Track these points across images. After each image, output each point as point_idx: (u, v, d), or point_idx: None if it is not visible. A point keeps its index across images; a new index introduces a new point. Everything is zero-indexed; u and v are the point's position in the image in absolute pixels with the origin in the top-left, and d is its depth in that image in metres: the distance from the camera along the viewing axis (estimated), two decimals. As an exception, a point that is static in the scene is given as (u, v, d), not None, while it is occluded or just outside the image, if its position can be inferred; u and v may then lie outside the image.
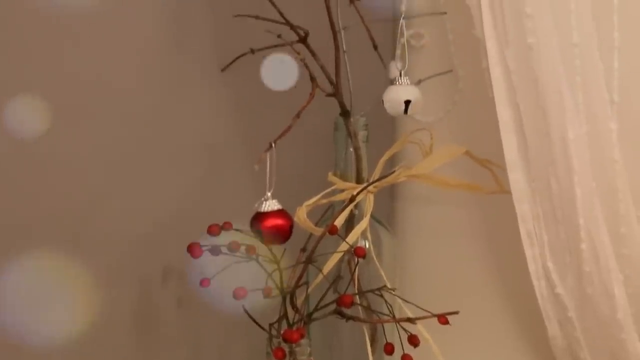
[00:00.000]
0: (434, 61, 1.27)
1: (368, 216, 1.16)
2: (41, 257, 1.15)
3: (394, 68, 1.23)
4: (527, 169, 1.10)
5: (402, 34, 1.22)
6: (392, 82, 1.19)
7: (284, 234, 1.06)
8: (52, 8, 1.12)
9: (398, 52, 1.24)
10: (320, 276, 1.11)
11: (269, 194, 1.06)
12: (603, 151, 1.09)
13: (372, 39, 1.04)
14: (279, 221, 1.06)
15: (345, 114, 1.17)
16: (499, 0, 1.03)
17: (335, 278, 1.18)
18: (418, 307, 1.06)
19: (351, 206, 1.15)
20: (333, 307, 1.08)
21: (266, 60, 1.13)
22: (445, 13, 1.22)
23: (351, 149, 1.19)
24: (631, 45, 1.09)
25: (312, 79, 1.09)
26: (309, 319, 1.09)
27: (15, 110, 1.12)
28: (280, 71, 1.13)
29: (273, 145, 1.05)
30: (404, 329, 1.06)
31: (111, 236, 1.21)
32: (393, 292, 1.11)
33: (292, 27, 1.15)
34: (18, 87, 1.13)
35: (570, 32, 1.05)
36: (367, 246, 1.17)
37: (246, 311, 1.06)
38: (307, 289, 1.12)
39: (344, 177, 1.20)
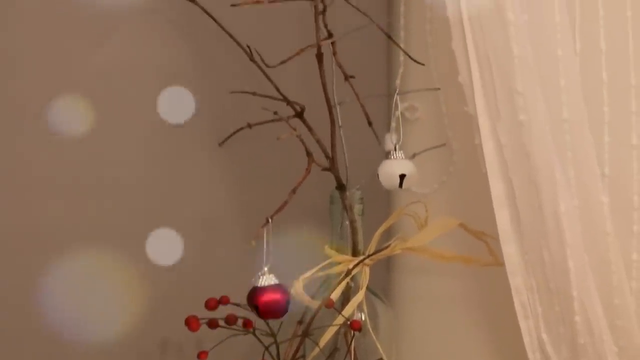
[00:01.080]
0: (428, 133, 1.29)
1: (364, 289, 1.17)
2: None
3: (389, 141, 1.25)
4: (520, 241, 1.11)
5: (396, 107, 1.24)
6: (387, 155, 1.21)
7: (280, 309, 1.07)
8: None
9: (393, 124, 1.26)
10: (317, 349, 1.12)
11: (266, 268, 1.07)
12: (595, 224, 1.10)
13: (367, 116, 1.06)
14: (275, 296, 1.07)
15: (341, 187, 1.19)
16: (491, 78, 1.05)
17: (332, 351, 1.19)
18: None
19: (347, 279, 1.16)
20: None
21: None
22: (439, 89, 1.25)
23: (347, 222, 1.20)
24: (621, 119, 1.11)
25: (309, 154, 1.11)
26: (306, 392, 1.10)
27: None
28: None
29: (270, 220, 1.06)
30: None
31: (109, 310, 1.22)
32: (390, 365, 1.12)
33: (289, 103, 1.17)
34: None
35: (560, 108, 1.06)
36: (363, 319, 1.18)
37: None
38: (304, 362, 1.13)
39: (340, 250, 1.21)
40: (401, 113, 1.25)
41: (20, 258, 1.15)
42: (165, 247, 1.22)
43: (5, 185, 1.14)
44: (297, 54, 1.06)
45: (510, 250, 1.12)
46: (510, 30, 1.01)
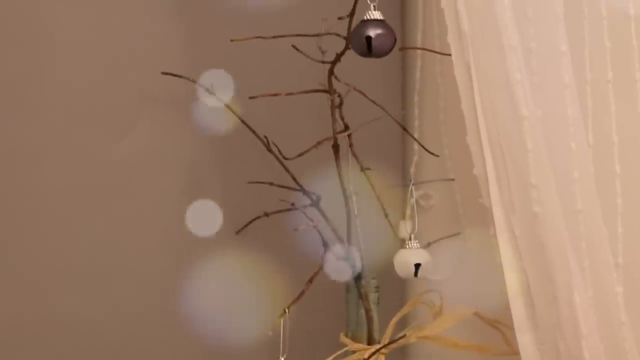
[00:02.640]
0: (443, 222, 1.30)
1: (379, 378, 1.18)
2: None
3: (404, 229, 1.26)
4: (535, 331, 1.11)
5: (411, 196, 1.25)
6: (402, 244, 1.22)
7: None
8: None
9: (408, 212, 1.27)
10: None
11: (283, 358, 1.07)
12: (610, 314, 1.10)
13: (382, 207, 1.08)
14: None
15: (356, 276, 1.20)
16: (505, 171, 1.05)
17: None
18: None
19: (363, 368, 1.17)
20: None
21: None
22: (453, 179, 1.26)
23: (362, 311, 1.21)
24: (634, 209, 1.12)
25: (325, 244, 1.12)
26: None
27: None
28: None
29: (287, 310, 1.07)
30: None
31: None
32: None
33: (305, 192, 1.19)
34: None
35: (574, 199, 1.07)
36: (379, 407, 1.18)
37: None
38: None
39: (355, 339, 1.21)
40: (416, 201, 1.27)
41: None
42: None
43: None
44: (314, 147, 1.08)
45: (525, 340, 1.12)
46: (524, 125, 1.02)
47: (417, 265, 1.19)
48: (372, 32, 0.97)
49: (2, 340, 1.17)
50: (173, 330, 1.25)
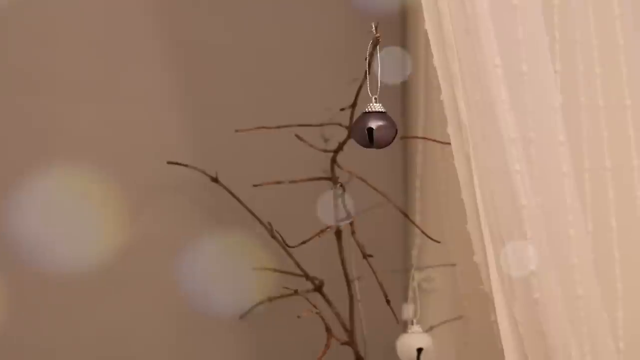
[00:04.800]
0: (445, 305, 1.31)
1: None
2: None
3: (406, 311, 1.27)
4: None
5: (413, 279, 1.27)
6: (404, 327, 1.23)
7: None
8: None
9: (410, 295, 1.28)
10: None
11: None
12: (612, 398, 1.11)
13: (384, 293, 1.09)
14: None
15: (359, 360, 1.21)
16: (505, 260, 1.07)
17: None
18: None
19: None
20: None
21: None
22: (455, 265, 1.27)
23: (367, 395, 1.22)
24: (634, 294, 1.13)
25: (328, 329, 1.13)
26: None
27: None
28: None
29: (291, 399, 1.08)
30: None
31: None
32: None
33: (308, 277, 1.20)
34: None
35: (574, 285, 1.08)
36: None
37: None
38: None
39: None
40: (418, 284, 1.28)
41: None
42: None
43: None
44: (317, 235, 1.09)
45: None
46: (523, 214, 1.04)
47: (420, 350, 1.19)
48: (374, 124, 0.98)
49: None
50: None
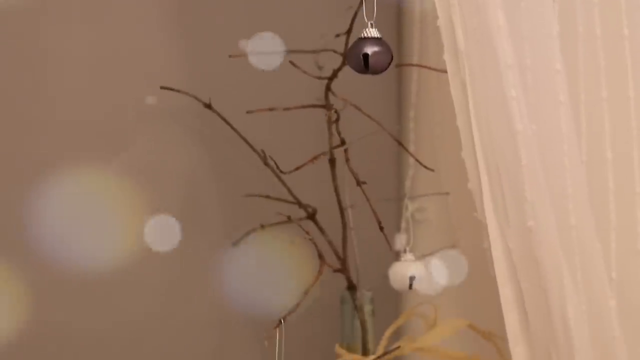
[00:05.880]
0: (438, 235, 1.31)
1: (374, 388, 1.19)
2: None
3: (399, 241, 1.27)
4: (529, 344, 1.12)
5: (406, 209, 1.27)
6: (397, 256, 1.23)
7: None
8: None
9: (403, 226, 1.28)
10: None
11: (278, 368, 1.08)
12: (603, 328, 1.11)
13: (378, 220, 1.09)
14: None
15: (351, 288, 1.21)
16: (499, 186, 1.07)
17: None
18: None
19: (358, 378, 1.18)
20: None
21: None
22: (448, 194, 1.27)
23: (357, 322, 1.22)
24: (626, 225, 1.13)
25: (320, 256, 1.13)
26: None
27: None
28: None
29: (282, 321, 1.08)
30: None
31: None
32: None
33: (301, 205, 1.20)
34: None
35: (567, 214, 1.08)
36: (372, 417, 1.19)
37: None
38: None
39: (350, 349, 1.22)
40: (411, 214, 1.28)
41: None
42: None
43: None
44: (311, 161, 1.08)
45: (519, 352, 1.13)
46: (518, 140, 1.03)
47: (412, 278, 1.20)
48: (369, 50, 0.97)
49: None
50: (170, 336, 1.26)
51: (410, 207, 1.28)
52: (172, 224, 1.21)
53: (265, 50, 1.17)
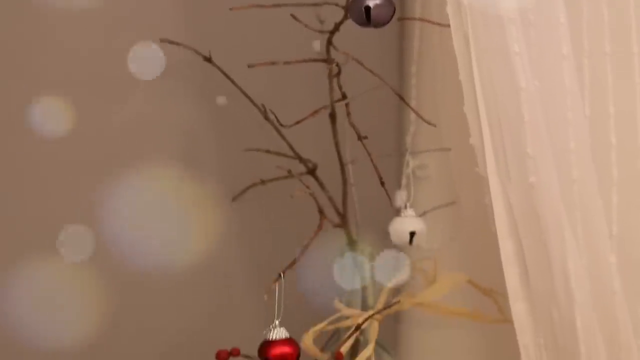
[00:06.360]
0: (439, 192, 1.31)
1: (373, 343, 1.19)
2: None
3: (400, 198, 1.27)
4: (529, 299, 1.12)
5: (407, 165, 1.26)
6: (397, 213, 1.23)
7: (290, 361, 1.08)
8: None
9: (404, 182, 1.28)
10: (326, 402, 1.13)
11: (277, 322, 1.08)
12: (603, 282, 1.11)
13: (379, 176, 1.08)
14: (286, 349, 1.07)
15: (352, 244, 1.21)
16: (501, 141, 1.06)
17: (341, 403, 1.20)
18: None
19: (356, 333, 1.17)
20: None
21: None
22: (450, 150, 1.27)
23: (357, 278, 1.22)
24: (629, 180, 1.13)
25: (320, 211, 1.13)
26: None
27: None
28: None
29: (282, 275, 1.08)
30: None
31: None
32: (398, 419, 1.14)
33: (302, 160, 1.20)
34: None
35: (570, 169, 1.08)
36: (372, 373, 1.19)
37: None
38: (313, 415, 1.14)
39: (349, 305, 1.23)
40: (412, 171, 1.27)
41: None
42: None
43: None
44: (312, 115, 1.08)
45: (519, 307, 1.13)
46: (521, 96, 1.03)
47: (412, 233, 1.20)
48: (371, 2, 0.97)
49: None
50: (168, 288, 1.26)
51: (411, 163, 1.28)
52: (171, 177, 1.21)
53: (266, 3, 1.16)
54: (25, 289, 1.17)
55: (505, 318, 1.19)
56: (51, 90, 1.18)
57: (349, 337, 1.16)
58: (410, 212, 1.21)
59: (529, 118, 1.03)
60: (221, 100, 1.20)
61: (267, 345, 1.08)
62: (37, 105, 1.16)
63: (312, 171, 1.19)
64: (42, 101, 1.17)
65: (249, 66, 1.14)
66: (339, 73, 1.12)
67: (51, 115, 1.17)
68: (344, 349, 1.15)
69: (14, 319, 1.17)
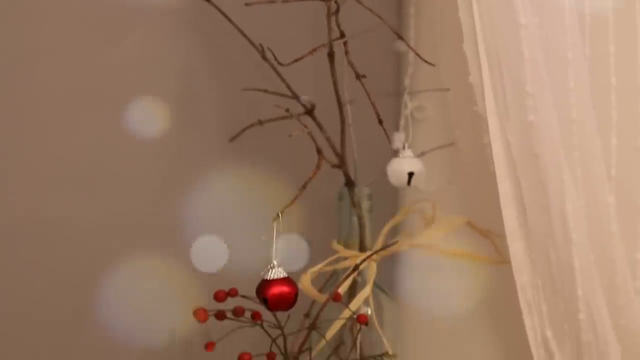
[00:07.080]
0: (437, 133, 1.31)
1: (371, 284, 1.19)
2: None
3: (398, 139, 1.26)
4: (526, 240, 1.13)
5: (406, 107, 1.26)
6: (395, 154, 1.22)
7: (288, 301, 1.08)
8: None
9: (402, 123, 1.28)
10: (323, 342, 1.13)
11: (275, 262, 1.08)
12: (601, 224, 1.12)
13: (377, 114, 1.07)
14: (284, 288, 1.08)
15: (349, 184, 1.21)
16: (501, 79, 1.06)
17: (338, 344, 1.21)
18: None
19: (354, 274, 1.18)
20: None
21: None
22: (449, 89, 1.26)
23: (355, 218, 1.22)
24: (628, 122, 1.13)
25: (319, 151, 1.13)
26: (311, 383, 1.12)
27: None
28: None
29: (280, 215, 1.08)
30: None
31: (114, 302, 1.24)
32: (394, 359, 1.14)
33: (299, 100, 1.19)
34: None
35: (569, 109, 1.08)
36: (369, 313, 1.20)
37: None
38: (310, 354, 1.14)
39: (347, 246, 1.23)
40: (410, 113, 1.27)
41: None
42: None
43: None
44: (310, 53, 1.07)
45: (516, 248, 1.14)
46: (521, 33, 1.02)
47: (411, 174, 1.19)
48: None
49: None
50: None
51: (409, 104, 1.27)
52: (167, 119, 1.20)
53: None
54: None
55: (503, 259, 1.19)
56: (46, 29, 1.17)
57: (347, 277, 1.16)
58: (408, 152, 1.21)
59: (529, 55, 1.03)
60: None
61: (265, 285, 1.08)
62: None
63: (310, 111, 1.19)
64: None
65: (247, 4, 1.13)
66: (337, 11, 1.11)
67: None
68: (342, 289, 1.16)
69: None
